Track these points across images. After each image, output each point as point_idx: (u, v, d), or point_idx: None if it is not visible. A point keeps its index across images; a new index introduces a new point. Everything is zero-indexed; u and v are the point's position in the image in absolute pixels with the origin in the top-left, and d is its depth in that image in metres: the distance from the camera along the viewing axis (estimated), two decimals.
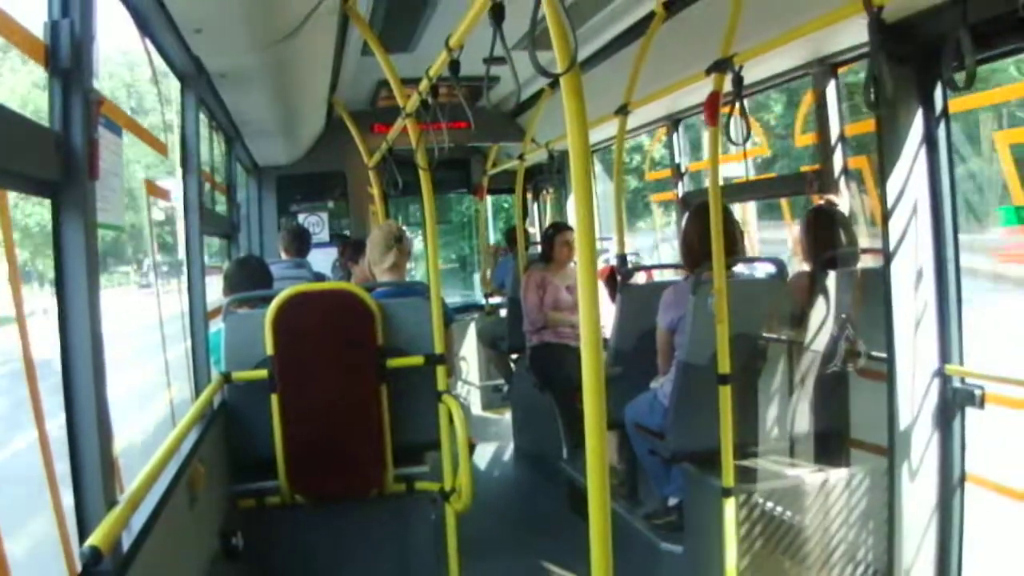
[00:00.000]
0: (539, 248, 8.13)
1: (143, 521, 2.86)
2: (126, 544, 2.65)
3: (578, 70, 2.13)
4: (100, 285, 2.55)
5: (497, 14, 2.54)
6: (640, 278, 6.91)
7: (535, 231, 10.97)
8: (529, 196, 10.96)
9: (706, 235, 4.14)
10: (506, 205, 14.84)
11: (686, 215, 5.49)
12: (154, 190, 4.50)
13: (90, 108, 2.51)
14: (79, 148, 2.46)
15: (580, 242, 2.22)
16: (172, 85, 4.80)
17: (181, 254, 4.85)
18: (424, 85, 4.07)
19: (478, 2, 2.76)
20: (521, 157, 8.10)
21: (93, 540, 2.26)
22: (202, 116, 5.10)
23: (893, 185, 3.85)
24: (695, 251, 4.74)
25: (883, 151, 3.84)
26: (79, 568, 2.46)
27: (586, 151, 2.16)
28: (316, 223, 9.29)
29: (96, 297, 2.51)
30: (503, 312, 9.53)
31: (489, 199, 12.05)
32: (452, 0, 5.22)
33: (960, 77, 2.97)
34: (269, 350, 4.64)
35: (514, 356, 8.59)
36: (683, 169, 7.10)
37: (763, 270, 5.08)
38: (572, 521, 6.24)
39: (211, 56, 4.54)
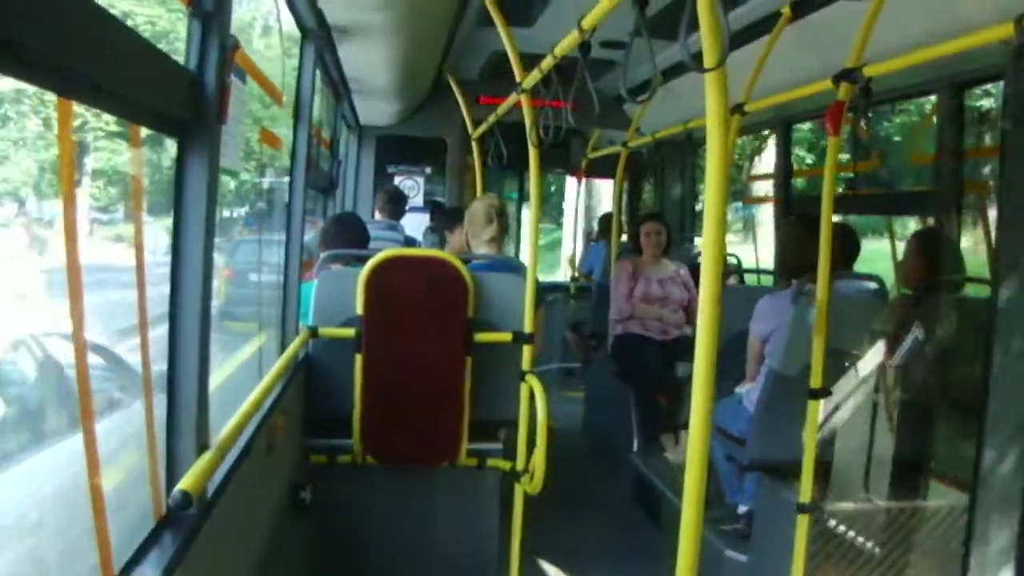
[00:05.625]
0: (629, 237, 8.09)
1: (226, 469, 2.88)
2: (210, 491, 2.67)
3: (726, 68, 2.07)
4: (216, 230, 2.56)
5: None
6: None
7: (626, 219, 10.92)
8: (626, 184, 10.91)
9: (812, 245, 4.06)
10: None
11: (787, 222, 5.38)
12: (268, 138, 4.53)
13: (226, 53, 2.51)
14: (211, 91, 2.47)
15: (707, 241, 2.17)
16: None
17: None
18: (547, 62, 4.03)
19: None
20: (625, 144, 8.03)
21: (184, 484, 2.27)
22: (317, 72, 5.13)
23: (1011, 214, 3.72)
24: (795, 261, 4.66)
25: (1005, 178, 3.72)
26: (164, 510, 2.49)
27: (726, 149, 2.11)
28: (412, 187, 9.31)
29: (211, 242, 2.52)
30: (586, 296, 9.49)
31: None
32: None
33: None
34: (359, 309, 4.65)
35: (593, 342, 8.55)
36: (790, 173, 6.99)
37: (861, 287, 4.97)
38: (636, 514, 6.22)
39: (335, 10, 4.54)
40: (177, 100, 2.34)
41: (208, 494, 2.64)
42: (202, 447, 2.58)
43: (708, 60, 2.07)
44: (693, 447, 2.22)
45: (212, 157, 2.49)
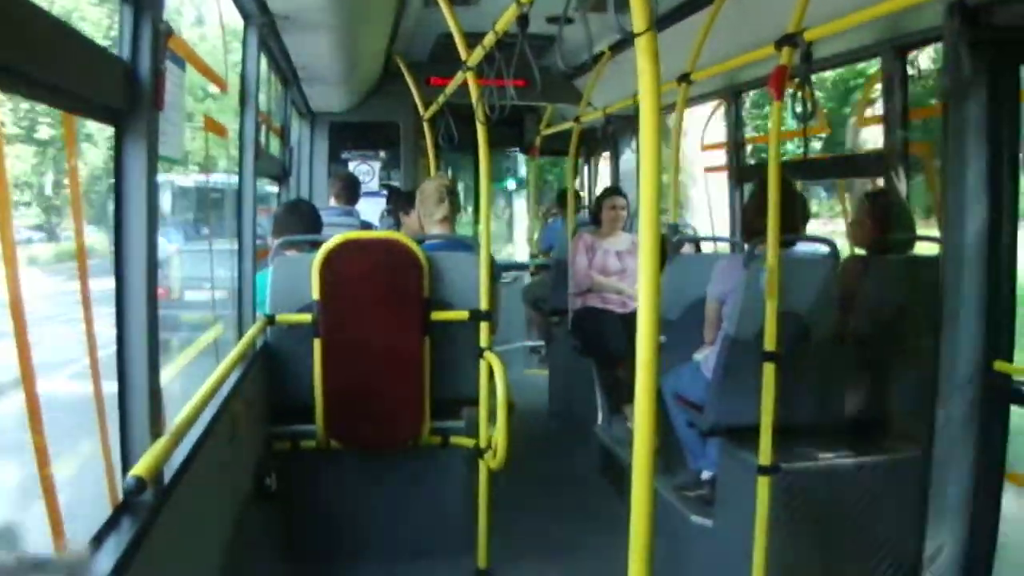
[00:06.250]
0: (589, 212, 8.11)
1: (184, 455, 2.88)
2: (167, 477, 2.68)
3: (655, 31, 2.09)
4: (159, 217, 2.56)
5: None
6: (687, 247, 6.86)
7: (585, 195, 10.95)
8: (581, 159, 10.93)
9: (766, 209, 4.09)
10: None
11: (750, 187, 5.44)
12: (213, 126, 4.50)
13: (159, 39, 2.51)
14: (146, 78, 2.47)
15: (644, 209, 2.19)
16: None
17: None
18: (489, 39, 4.03)
19: None
20: (577, 120, 8.04)
21: (137, 470, 2.27)
22: (262, 59, 5.10)
23: (955, 172, 3.77)
24: (754, 223, 4.70)
25: (948, 137, 3.77)
26: (120, 497, 2.49)
27: (657, 115, 2.13)
28: (367, 172, 9.29)
29: (154, 227, 2.52)
30: (547, 273, 9.51)
31: None
32: None
33: None
34: (315, 295, 4.65)
35: (554, 319, 8.57)
36: (740, 142, 7.03)
37: (814, 249, 5.01)
38: (603, 487, 6.26)
39: None
40: (111, 88, 2.33)
41: (165, 480, 2.64)
42: (156, 434, 2.58)
43: (638, 25, 2.09)
44: (640, 416, 2.25)
45: (151, 144, 2.49)
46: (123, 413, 2.53)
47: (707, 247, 7.38)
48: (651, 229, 2.18)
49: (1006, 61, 3.56)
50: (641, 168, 2.17)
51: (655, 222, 2.18)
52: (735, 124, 7.07)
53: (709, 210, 7.70)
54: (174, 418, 2.82)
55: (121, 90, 2.39)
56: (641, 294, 2.20)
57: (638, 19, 2.08)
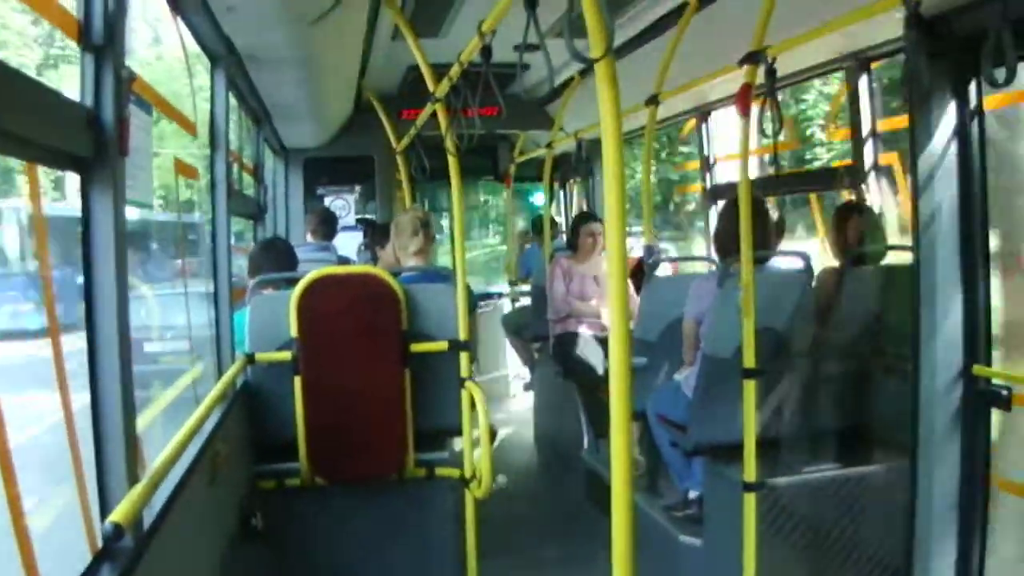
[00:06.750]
0: (565, 237, 8.13)
1: (164, 499, 2.87)
2: (147, 522, 2.66)
3: (613, 57, 2.10)
4: (127, 263, 2.55)
5: None
6: (665, 269, 6.89)
7: (561, 220, 10.97)
8: (556, 185, 10.95)
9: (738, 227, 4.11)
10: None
11: (721, 205, 5.47)
12: (183, 169, 4.49)
13: (122, 85, 2.51)
14: (110, 125, 2.47)
15: (610, 233, 2.20)
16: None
17: None
18: (455, 70, 4.05)
19: None
20: (549, 146, 8.06)
21: (115, 516, 2.26)
22: (232, 99, 5.10)
23: (924, 182, 3.79)
24: (727, 242, 4.72)
25: (915, 147, 3.79)
26: (100, 544, 2.47)
27: (619, 139, 2.14)
28: (342, 206, 9.28)
29: (124, 274, 2.51)
30: (527, 300, 9.51)
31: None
32: None
33: (1000, 73, 2.92)
34: (293, 332, 4.64)
35: (536, 345, 8.57)
36: (712, 161, 7.07)
37: (789, 264, 5.04)
38: (591, 511, 6.24)
39: (242, 36, 4.53)
40: (75, 136, 2.33)
41: (145, 525, 2.63)
42: (134, 479, 2.56)
43: (595, 50, 2.10)
44: (616, 436, 2.24)
45: (117, 190, 2.49)
46: (99, 458, 2.52)
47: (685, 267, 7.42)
48: (618, 252, 2.18)
49: (966, 70, 3.60)
50: (605, 192, 2.18)
51: (621, 245, 2.19)
52: (706, 144, 7.12)
53: None
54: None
55: (85, 138, 2.39)
56: (611, 316, 2.21)
57: (595, 45, 2.09)
